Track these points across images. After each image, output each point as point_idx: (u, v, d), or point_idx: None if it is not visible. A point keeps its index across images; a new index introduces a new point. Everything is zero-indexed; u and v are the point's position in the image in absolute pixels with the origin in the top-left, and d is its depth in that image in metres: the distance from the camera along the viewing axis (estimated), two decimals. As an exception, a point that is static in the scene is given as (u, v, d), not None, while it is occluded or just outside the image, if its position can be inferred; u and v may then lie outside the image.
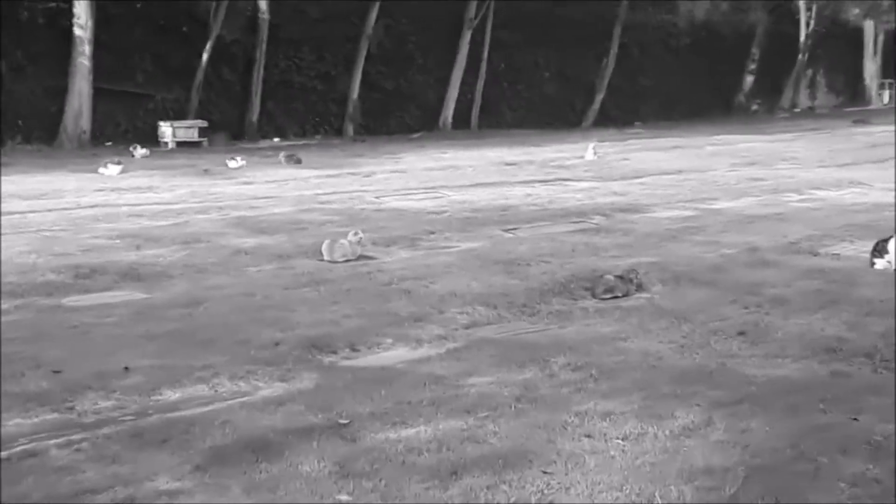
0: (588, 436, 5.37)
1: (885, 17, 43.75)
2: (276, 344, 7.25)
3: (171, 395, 6.21)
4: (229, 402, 6.06)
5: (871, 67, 46.29)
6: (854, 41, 45.64)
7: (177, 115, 27.82)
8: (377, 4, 30.75)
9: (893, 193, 14.79)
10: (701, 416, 5.63)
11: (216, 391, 6.28)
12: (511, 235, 12.14)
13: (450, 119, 33.28)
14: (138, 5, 27.45)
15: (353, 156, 23.43)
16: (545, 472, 4.88)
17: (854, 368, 6.63)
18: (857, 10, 43.54)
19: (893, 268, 9.60)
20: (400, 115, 32.54)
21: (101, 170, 18.99)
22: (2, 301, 8.57)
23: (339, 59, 31.13)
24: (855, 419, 5.58)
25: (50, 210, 14.07)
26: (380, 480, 4.82)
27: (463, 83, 33.37)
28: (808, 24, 42.11)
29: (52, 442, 5.38)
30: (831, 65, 45.89)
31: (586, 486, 4.73)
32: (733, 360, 6.85)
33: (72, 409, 5.94)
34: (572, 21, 35.32)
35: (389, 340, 7.46)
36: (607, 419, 5.60)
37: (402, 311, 8.26)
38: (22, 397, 6.08)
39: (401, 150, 24.70)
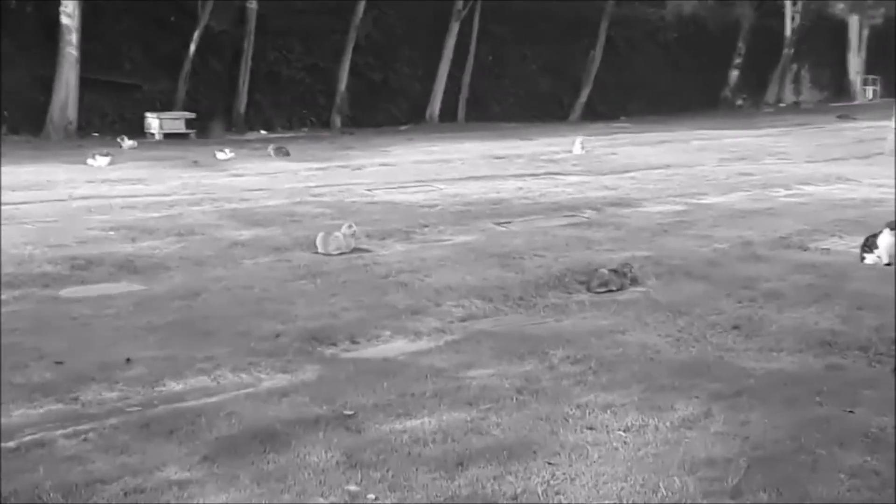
0: (590, 427, 5.45)
1: (870, 11, 43.91)
2: (277, 336, 7.31)
3: (175, 386, 6.25)
4: (234, 393, 6.12)
5: (855, 62, 46.48)
6: (839, 36, 45.82)
7: (164, 106, 27.75)
8: (366, -4, 30.80)
9: (881, 189, 14.92)
10: (700, 408, 5.72)
11: (219, 382, 6.33)
12: (504, 229, 12.19)
13: (437, 112, 33.31)
14: (126, -5, 27.42)
15: (343, 148, 23.45)
16: (550, 464, 4.96)
17: (849, 362, 6.74)
18: (841, 5, 43.67)
19: (883, 263, 9.73)
20: (387, 107, 32.54)
21: (90, 161, 18.93)
22: (1, 292, 8.59)
23: (328, 51, 31.13)
24: (851, 412, 5.68)
25: (42, 201, 14.05)
26: (387, 471, 4.88)
27: (450, 76, 33.43)
28: (793, 19, 42.29)
29: (59, 432, 5.43)
30: (816, 60, 46.09)
31: (591, 477, 4.81)
32: (730, 353, 6.95)
33: (76, 399, 5.99)
34: (560, 14, 35.41)
35: (388, 333, 7.53)
36: (608, 411, 5.68)
37: (399, 303, 8.32)
38: (27, 388, 6.13)
39: (390, 143, 24.72)
